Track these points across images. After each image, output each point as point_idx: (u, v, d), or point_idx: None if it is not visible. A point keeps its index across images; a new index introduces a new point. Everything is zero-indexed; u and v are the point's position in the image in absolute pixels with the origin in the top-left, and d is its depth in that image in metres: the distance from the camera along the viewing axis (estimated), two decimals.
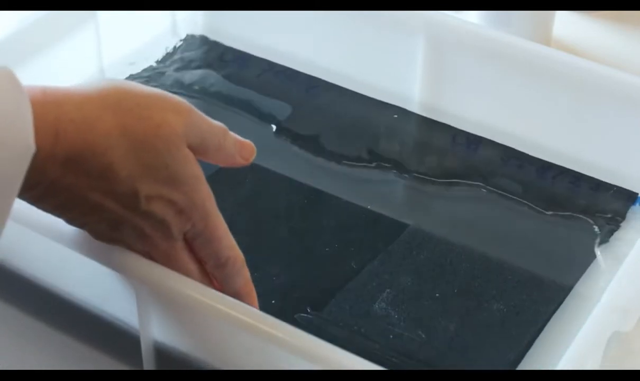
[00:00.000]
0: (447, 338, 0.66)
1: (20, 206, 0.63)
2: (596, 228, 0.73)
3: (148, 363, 0.63)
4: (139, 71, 0.87)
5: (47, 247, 0.64)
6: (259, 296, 0.62)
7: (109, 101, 0.56)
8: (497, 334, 0.66)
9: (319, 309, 0.67)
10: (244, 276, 0.62)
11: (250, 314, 0.58)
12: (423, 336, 0.66)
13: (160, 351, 0.63)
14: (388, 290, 0.68)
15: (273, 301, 0.68)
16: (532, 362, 0.64)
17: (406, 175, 0.77)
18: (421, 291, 0.69)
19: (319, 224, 0.73)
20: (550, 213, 0.74)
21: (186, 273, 0.60)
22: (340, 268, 0.70)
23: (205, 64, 0.88)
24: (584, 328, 0.60)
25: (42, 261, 0.65)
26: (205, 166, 0.75)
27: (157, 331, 0.62)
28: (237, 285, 0.62)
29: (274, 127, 0.81)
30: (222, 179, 0.75)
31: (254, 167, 0.77)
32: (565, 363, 0.58)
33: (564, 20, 0.95)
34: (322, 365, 0.56)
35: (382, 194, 0.76)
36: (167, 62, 0.88)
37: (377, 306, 0.68)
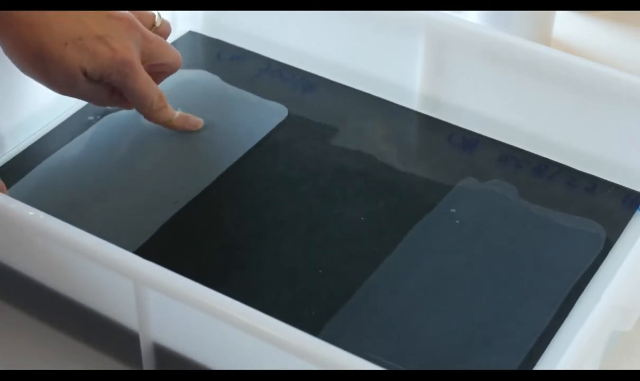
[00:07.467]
0: (445, 338, 0.66)
1: (20, 208, 0.63)
2: (595, 228, 0.73)
3: (148, 363, 0.64)
4: None
5: (47, 247, 0.64)
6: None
7: None
8: (498, 335, 0.66)
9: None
10: (168, 113, 0.77)
11: (250, 315, 0.58)
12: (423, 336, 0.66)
13: (160, 351, 0.63)
14: (394, 294, 0.69)
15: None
16: (532, 362, 0.64)
17: (407, 175, 0.77)
18: (422, 293, 0.69)
19: (322, 229, 0.73)
20: (548, 212, 0.74)
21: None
22: (343, 277, 0.70)
23: (204, 61, 0.88)
24: (584, 328, 0.60)
25: (42, 261, 0.65)
26: (208, 171, 0.76)
27: (156, 331, 0.62)
28: (161, 120, 0.77)
29: (273, 125, 0.81)
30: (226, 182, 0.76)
31: (256, 166, 0.78)
32: (565, 363, 0.58)
33: (564, 20, 0.95)
34: (322, 365, 0.56)
35: (383, 193, 0.76)
36: None
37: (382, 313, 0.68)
